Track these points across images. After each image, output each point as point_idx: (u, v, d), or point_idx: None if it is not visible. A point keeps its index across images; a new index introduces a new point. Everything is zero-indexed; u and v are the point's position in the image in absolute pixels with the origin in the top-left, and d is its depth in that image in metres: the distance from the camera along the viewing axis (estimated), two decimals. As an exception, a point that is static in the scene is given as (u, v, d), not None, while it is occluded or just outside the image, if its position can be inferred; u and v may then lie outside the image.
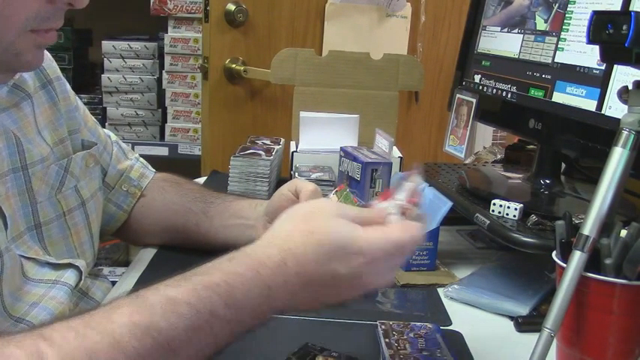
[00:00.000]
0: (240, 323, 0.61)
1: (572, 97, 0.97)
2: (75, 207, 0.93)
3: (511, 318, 0.88)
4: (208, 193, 1.07)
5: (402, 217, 0.68)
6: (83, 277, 0.88)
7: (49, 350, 0.52)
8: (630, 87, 0.69)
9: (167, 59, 2.30)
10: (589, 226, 0.66)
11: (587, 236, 0.66)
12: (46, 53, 0.94)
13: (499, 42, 1.16)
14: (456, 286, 0.95)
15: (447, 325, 0.85)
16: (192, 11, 2.26)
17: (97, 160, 1.00)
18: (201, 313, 0.58)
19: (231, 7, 1.90)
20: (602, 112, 0.91)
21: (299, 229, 0.64)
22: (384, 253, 0.64)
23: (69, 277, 0.86)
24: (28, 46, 0.79)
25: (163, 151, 2.35)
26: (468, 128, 1.18)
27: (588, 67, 0.94)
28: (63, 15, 0.80)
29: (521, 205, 0.96)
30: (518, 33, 1.11)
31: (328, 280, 0.63)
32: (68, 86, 0.99)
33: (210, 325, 0.59)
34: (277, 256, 0.63)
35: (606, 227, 0.67)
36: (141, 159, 1.12)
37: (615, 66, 0.89)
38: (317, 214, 0.66)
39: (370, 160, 0.99)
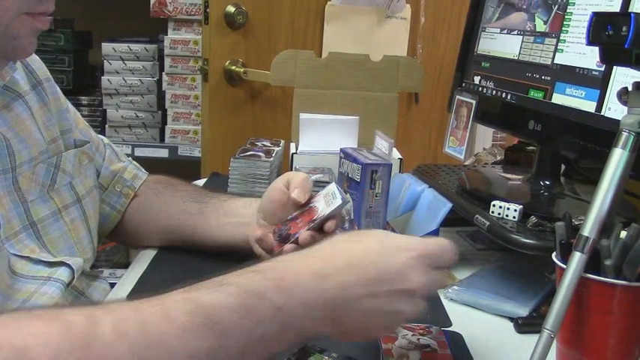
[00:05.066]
0: (291, 315, 0.60)
1: (572, 98, 0.97)
2: (70, 203, 0.93)
3: (511, 319, 0.88)
4: (203, 193, 1.08)
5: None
6: (76, 276, 0.88)
7: (103, 315, 0.53)
8: (630, 88, 0.69)
9: (167, 61, 2.30)
10: (589, 228, 0.66)
11: (587, 237, 0.66)
12: (35, 56, 0.94)
13: (498, 43, 1.16)
14: (455, 287, 0.95)
15: (447, 326, 0.85)
16: (192, 13, 2.26)
17: (90, 157, 1.00)
18: (251, 293, 0.58)
19: (231, 9, 1.90)
20: (602, 113, 0.91)
21: (345, 239, 0.68)
22: (427, 250, 0.66)
23: (62, 274, 0.86)
24: (24, 30, 0.80)
25: (163, 153, 2.35)
26: (468, 129, 1.18)
27: (588, 69, 0.94)
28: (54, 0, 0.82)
29: (521, 206, 0.96)
30: (517, 34, 1.11)
31: (381, 273, 0.64)
32: (58, 88, 1.00)
33: (260, 310, 0.58)
34: (327, 248, 0.65)
35: (606, 228, 0.67)
36: (134, 162, 1.12)
37: (615, 67, 0.89)
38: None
39: (370, 162, 0.99)
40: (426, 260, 0.66)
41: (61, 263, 0.87)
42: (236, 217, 1.00)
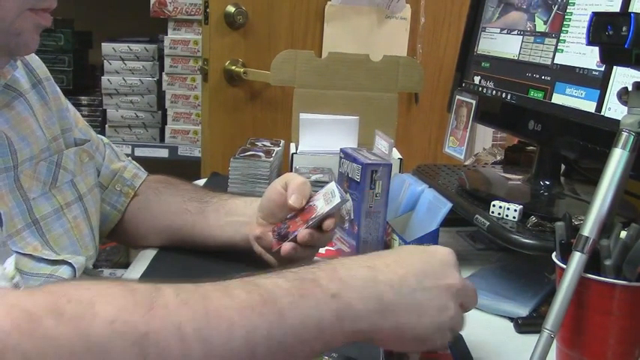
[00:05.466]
0: (346, 303, 0.60)
1: (572, 98, 0.97)
2: (72, 201, 0.94)
3: (511, 319, 0.88)
4: (203, 192, 1.08)
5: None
6: (78, 275, 0.89)
7: (166, 286, 0.55)
8: (630, 88, 0.69)
9: (167, 61, 2.30)
10: (589, 228, 0.66)
11: (587, 237, 0.66)
12: (34, 55, 0.95)
13: (499, 43, 1.16)
14: (455, 287, 0.95)
15: (447, 327, 0.85)
16: (192, 13, 2.26)
17: (90, 155, 1.00)
18: (305, 280, 0.60)
19: (231, 8, 1.90)
20: (602, 113, 0.91)
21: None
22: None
23: (63, 272, 0.87)
24: (28, 26, 0.81)
25: (163, 153, 2.35)
26: (468, 129, 1.18)
27: (588, 69, 0.94)
28: None
29: (521, 206, 0.96)
30: (517, 34, 1.11)
31: (427, 267, 0.65)
32: (57, 87, 1.00)
33: (315, 295, 0.59)
34: (373, 254, 0.67)
35: (606, 228, 0.67)
36: (133, 161, 1.13)
37: (615, 67, 0.89)
38: None
39: (370, 162, 0.99)
40: (457, 263, 0.68)
41: (63, 262, 0.88)
42: (237, 216, 1.00)
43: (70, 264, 0.88)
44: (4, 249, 0.80)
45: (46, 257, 0.86)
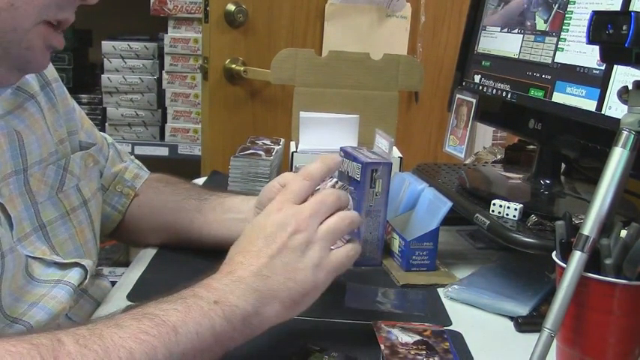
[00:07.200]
0: (230, 305, 0.66)
1: (572, 97, 0.97)
2: (77, 206, 0.93)
3: (511, 318, 0.88)
4: (202, 190, 1.08)
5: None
6: (88, 277, 0.88)
7: (64, 335, 0.58)
8: (630, 87, 0.69)
9: (167, 59, 2.30)
10: (589, 227, 0.66)
11: (587, 236, 0.66)
12: None
13: (499, 42, 1.16)
14: (455, 286, 0.95)
15: (447, 325, 0.85)
16: (192, 11, 2.26)
17: (95, 160, 1.00)
18: (187, 298, 0.65)
19: (231, 7, 1.90)
20: (602, 112, 0.91)
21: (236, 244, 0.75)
22: (308, 213, 0.73)
23: (72, 276, 0.86)
24: (38, 43, 0.79)
25: (163, 152, 2.35)
26: (468, 128, 1.18)
27: (588, 67, 0.94)
28: (74, 9, 0.84)
29: (521, 205, 0.96)
30: (518, 33, 1.11)
31: (266, 238, 0.72)
32: (65, 89, 0.99)
33: (200, 306, 0.64)
34: (225, 268, 0.71)
35: (606, 227, 0.67)
36: (136, 160, 1.12)
37: (615, 66, 0.89)
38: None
39: (370, 161, 0.99)
40: (289, 198, 0.75)
41: (74, 264, 0.87)
42: (234, 213, 1.01)
43: (82, 266, 0.87)
44: (14, 255, 0.80)
45: (57, 261, 0.86)
